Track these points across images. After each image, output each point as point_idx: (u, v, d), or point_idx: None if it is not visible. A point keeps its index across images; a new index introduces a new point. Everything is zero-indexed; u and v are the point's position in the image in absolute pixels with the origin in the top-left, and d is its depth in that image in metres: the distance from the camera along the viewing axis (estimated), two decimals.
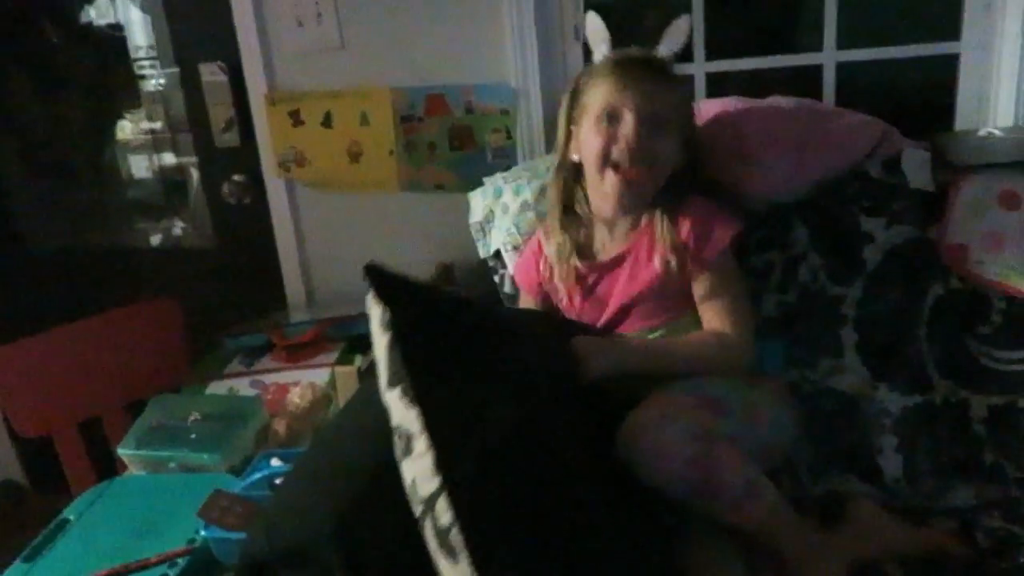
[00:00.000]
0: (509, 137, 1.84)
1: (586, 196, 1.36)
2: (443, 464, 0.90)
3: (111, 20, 2.18)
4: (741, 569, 1.07)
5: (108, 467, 1.71)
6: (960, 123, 1.67)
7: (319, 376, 1.68)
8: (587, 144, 1.27)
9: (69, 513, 1.37)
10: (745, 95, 1.52)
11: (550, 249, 1.39)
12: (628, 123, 1.22)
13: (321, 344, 1.80)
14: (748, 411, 1.17)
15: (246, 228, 2.10)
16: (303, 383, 1.64)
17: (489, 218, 1.63)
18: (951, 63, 1.66)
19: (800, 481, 1.28)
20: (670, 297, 1.29)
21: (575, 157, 1.34)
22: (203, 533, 1.23)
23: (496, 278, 1.58)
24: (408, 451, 0.94)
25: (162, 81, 2.17)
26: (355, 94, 1.89)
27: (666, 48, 1.32)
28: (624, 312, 1.32)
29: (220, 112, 2.00)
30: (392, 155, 1.91)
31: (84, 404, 1.86)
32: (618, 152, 1.24)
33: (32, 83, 2.27)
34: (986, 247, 1.30)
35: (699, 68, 1.77)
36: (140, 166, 2.34)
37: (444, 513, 0.88)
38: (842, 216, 1.39)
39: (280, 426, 1.55)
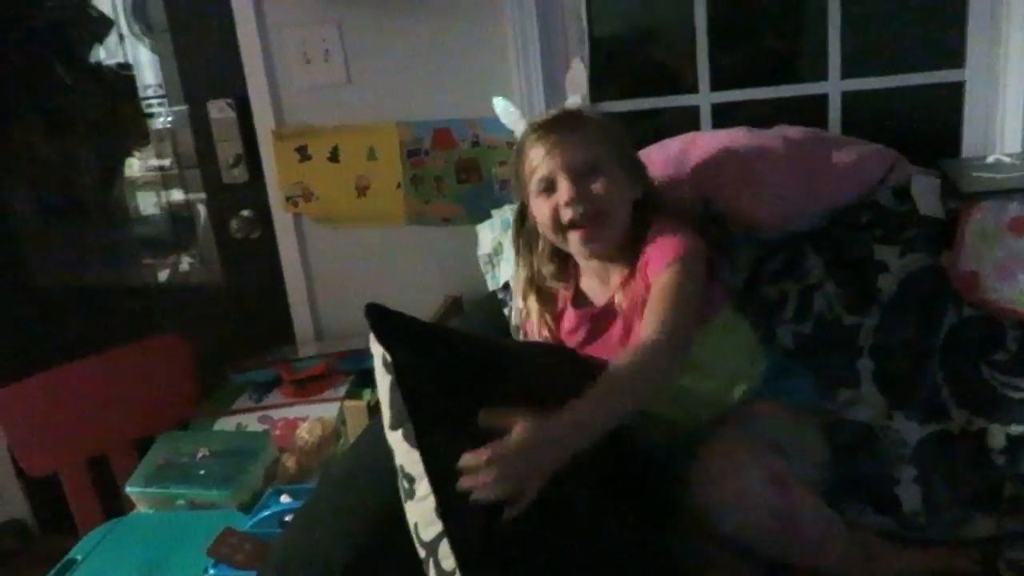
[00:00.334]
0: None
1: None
2: (445, 509, 0.90)
3: (120, 59, 2.21)
4: None
5: (115, 505, 1.70)
6: (967, 150, 1.67)
7: (328, 411, 1.67)
8: (539, 215, 1.27)
9: (76, 553, 1.36)
10: (750, 125, 1.53)
11: (530, 309, 1.36)
12: (563, 184, 1.22)
13: (330, 378, 1.79)
14: (803, 451, 1.16)
15: (254, 263, 2.10)
16: (312, 418, 1.64)
17: (498, 250, 1.63)
18: (956, 90, 1.66)
19: None
20: None
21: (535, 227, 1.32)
22: (212, 571, 1.22)
23: (505, 310, 1.57)
24: (411, 494, 0.95)
25: (170, 119, 2.19)
26: (362, 129, 1.90)
27: (573, 98, 1.37)
28: None
29: (228, 148, 2.01)
30: (399, 189, 1.91)
31: (92, 442, 1.85)
32: (566, 215, 1.23)
33: (42, 122, 2.29)
34: (998, 275, 1.29)
35: (704, 99, 1.78)
36: (148, 203, 2.35)
37: (446, 558, 0.89)
38: (855, 245, 1.39)
39: (289, 462, 1.54)
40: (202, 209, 2.22)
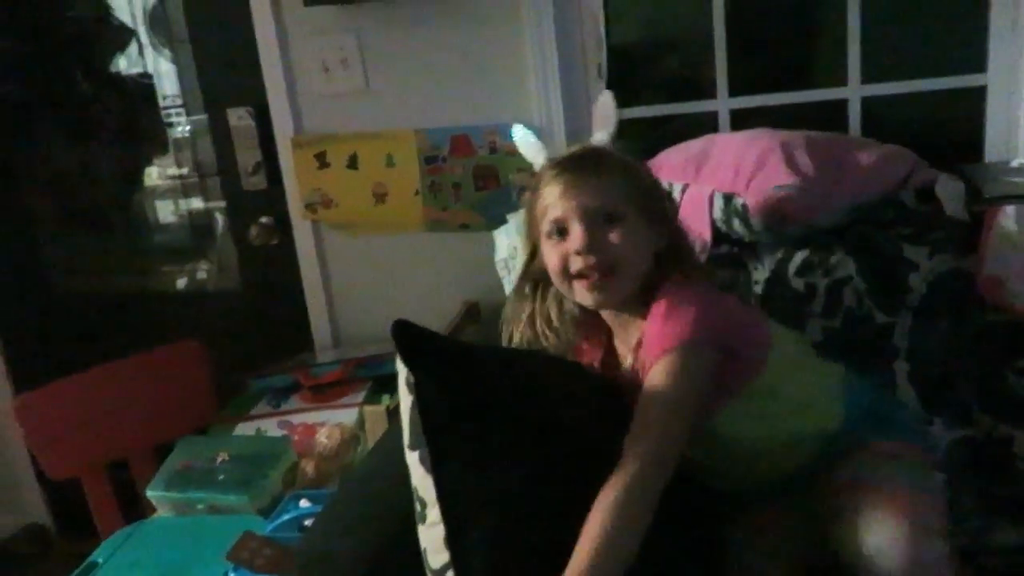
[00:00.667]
0: (533, 176, 1.84)
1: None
2: (454, 540, 0.90)
3: (141, 69, 2.23)
4: None
5: (135, 510, 1.71)
6: (989, 155, 1.66)
7: (347, 416, 1.68)
8: (548, 260, 1.14)
9: (97, 556, 1.37)
10: None
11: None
12: (576, 230, 1.09)
13: (348, 384, 1.80)
14: (934, 494, 1.08)
15: (273, 270, 2.12)
16: (330, 423, 1.64)
17: (513, 255, 1.63)
18: (978, 95, 1.65)
19: None
20: None
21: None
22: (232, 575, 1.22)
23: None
24: (423, 518, 0.95)
25: (190, 127, 2.21)
26: (380, 136, 1.91)
27: (599, 134, 1.27)
28: None
29: (247, 156, 2.03)
30: (417, 196, 1.92)
31: (112, 447, 1.86)
32: (575, 264, 1.10)
33: (63, 131, 2.32)
34: (1022, 279, 1.28)
35: (723, 104, 1.78)
36: (168, 211, 2.37)
37: None
38: (884, 242, 1.38)
39: (308, 467, 1.55)
40: (221, 217, 2.23)
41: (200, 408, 1.90)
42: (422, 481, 0.95)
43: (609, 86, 1.82)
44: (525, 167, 1.85)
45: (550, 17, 1.73)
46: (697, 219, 1.49)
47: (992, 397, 1.30)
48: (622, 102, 1.81)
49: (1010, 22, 1.59)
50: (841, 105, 1.71)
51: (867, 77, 1.69)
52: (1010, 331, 1.28)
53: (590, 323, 1.19)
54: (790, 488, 1.13)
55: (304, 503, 1.39)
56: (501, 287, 1.69)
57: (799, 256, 1.42)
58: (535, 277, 1.21)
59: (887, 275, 1.36)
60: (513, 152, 1.84)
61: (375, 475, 1.17)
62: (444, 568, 0.90)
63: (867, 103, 1.70)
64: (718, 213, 1.45)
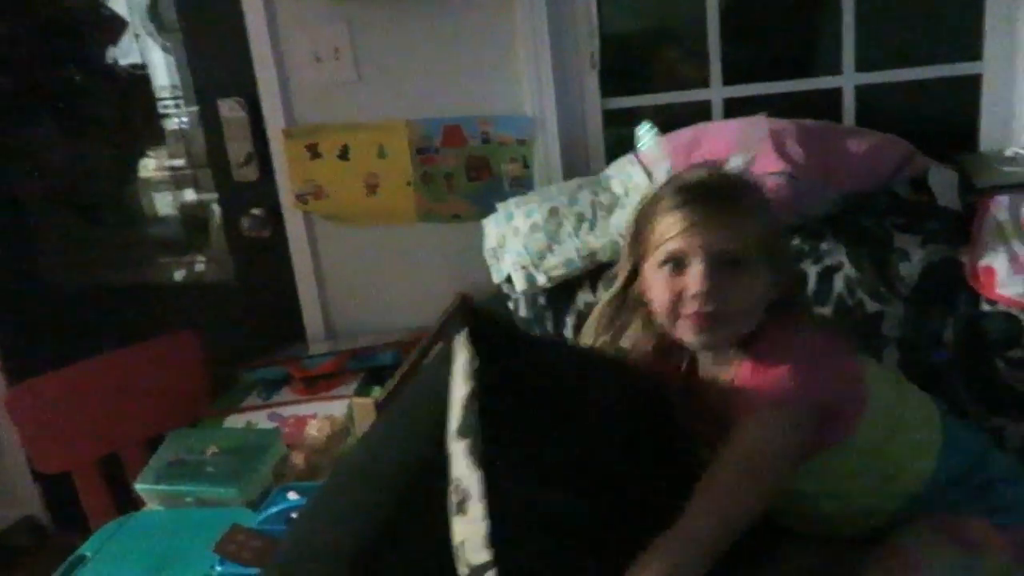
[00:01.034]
0: (526, 166, 1.83)
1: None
2: (498, 541, 0.87)
3: (134, 60, 2.22)
4: None
5: (128, 503, 1.71)
6: (984, 144, 1.65)
7: (338, 408, 1.67)
8: (654, 290, 1.06)
9: (86, 549, 1.36)
10: None
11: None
12: (696, 272, 1.00)
13: (340, 376, 1.79)
14: None
15: (265, 261, 2.11)
16: (321, 415, 1.63)
17: (502, 243, 1.62)
18: (973, 84, 1.64)
19: None
20: None
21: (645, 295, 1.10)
22: (219, 568, 1.22)
23: (510, 304, 1.56)
24: (462, 510, 0.91)
25: (184, 119, 2.20)
26: (372, 127, 1.89)
27: (735, 160, 1.12)
28: None
29: (239, 147, 2.02)
30: (409, 186, 1.91)
31: (104, 440, 1.86)
32: (690, 306, 1.01)
33: (57, 123, 2.30)
34: (1014, 270, 1.26)
35: (716, 93, 1.77)
36: (161, 203, 2.36)
37: None
38: (875, 230, 1.37)
39: (298, 459, 1.54)
40: (214, 208, 2.22)
41: (192, 400, 1.89)
42: (467, 473, 0.90)
43: (602, 76, 1.81)
44: (517, 157, 1.85)
45: (543, 7, 1.72)
46: None
47: (983, 387, 1.29)
48: (614, 92, 1.82)
49: (1005, 10, 1.57)
50: (835, 94, 1.70)
51: (861, 66, 1.68)
52: (1001, 321, 1.27)
53: (674, 347, 1.12)
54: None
55: (293, 496, 1.38)
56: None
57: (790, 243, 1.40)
58: (633, 300, 1.12)
59: (879, 263, 1.35)
60: (506, 142, 1.84)
61: (361, 466, 1.16)
62: (484, 567, 0.87)
63: (861, 92, 1.69)
64: None
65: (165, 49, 2.16)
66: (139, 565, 1.30)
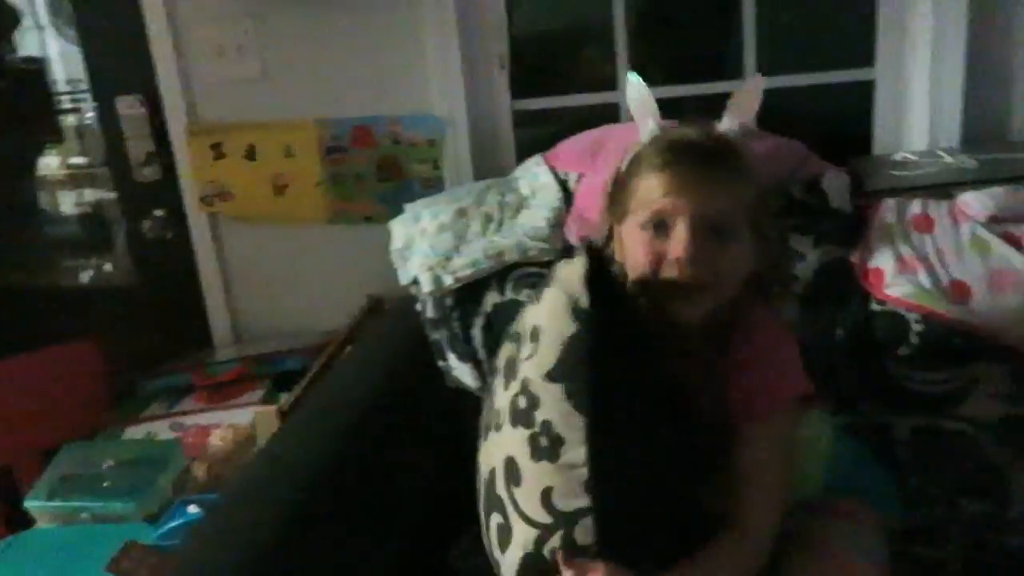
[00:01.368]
0: (437, 167, 1.82)
1: None
2: (597, 485, 0.88)
3: (30, 53, 2.12)
4: None
5: (21, 520, 1.63)
6: (877, 148, 1.71)
7: (243, 417, 1.62)
8: (630, 249, 1.01)
9: None
10: None
11: None
12: (681, 235, 0.96)
13: (246, 383, 1.75)
14: (881, 561, 1.06)
15: (169, 264, 2.03)
16: (225, 424, 1.59)
17: (409, 244, 1.61)
18: (867, 89, 1.69)
19: None
20: None
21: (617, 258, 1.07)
22: None
23: (417, 305, 1.55)
24: (554, 456, 0.89)
25: (85, 116, 2.11)
26: (279, 126, 1.85)
27: (729, 120, 1.08)
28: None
29: (139, 146, 1.94)
30: (319, 187, 1.87)
31: None
32: (669, 271, 0.97)
33: None
34: (901, 270, 1.31)
35: (623, 96, 1.77)
36: (59, 203, 2.27)
37: (585, 535, 0.88)
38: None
39: (200, 470, 1.50)
40: (115, 209, 2.14)
41: (90, 411, 1.82)
42: (565, 418, 0.88)
43: (512, 77, 1.81)
44: (428, 158, 1.83)
45: (450, 6, 1.70)
46: (593, 208, 1.49)
47: (874, 385, 1.33)
48: (523, 93, 1.82)
49: (896, 16, 1.63)
50: None
51: (763, 70, 1.71)
52: (890, 321, 1.32)
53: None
54: None
55: (193, 509, 1.35)
56: None
57: None
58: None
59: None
60: (416, 143, 1.82)
61: (256, 481, 1.13)
62: (579, 512, 0.88)
63: (763, 96, 1.72)
64: None
65: (72, 42, 2.07)
66: None
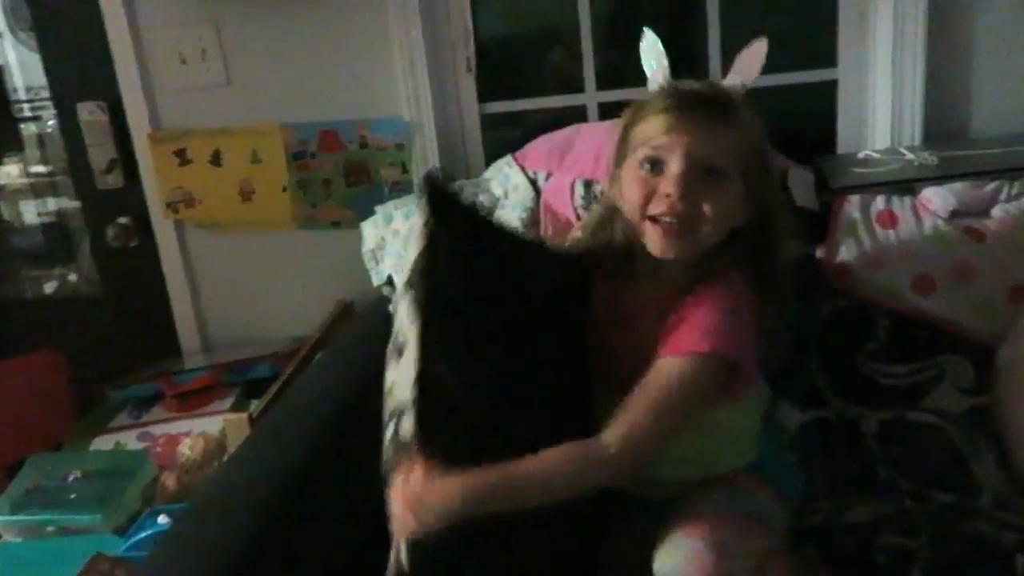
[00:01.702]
0: (405, 171, 1.81)
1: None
2: (422, 383, 0.93)
3: None
4: None
5: None
6: (841, 147, 1.73)
7: (212, 425, 1.61)
8: (626, 189, 1.05)
9: None
10: None
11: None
12: (673, 173, 1.00)
13: (215, 391, 1.73)
14: (777, 526, 1.09)
15: (134, 273, 2.00)
16: (194, 433, 1.57)
17: (381, 245, 1.60)
18: (830, 89, 1.72)
19: None
20: None
21: (617, 202, 1.10)
22: None
23: (389, 307, 1.54)
24: (399, 356, 0.98)
25: (46, 123, 2.08)
26: (244, 131, 1.83)
27: (733, 77, 1.14)
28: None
29: (101, 153, 1.91)
30: (286, 193, 1.85)
31: None
32: (657, 207, 1.01)
33: None
34: (867, 266, 1.33)
35: (591, 99, 1.79)
36: (21, 212, 2.23)
37: (407, 424, 0.93)
38: None
39: (169, 480, 1.48)
40: (78, 217, 2.10)
41: (56, 423, 1.79)
42: (407, 323, 0.97)
43: (478, 80, 1.81)
44: (396, 161, 1.82)
45: (416, 9, 1.70)
46: (561, 206, 1.50)
47: (842, 379, 1.35)
48: (489, 96, 1.82)
49: (856, 17, 1.65)
50: None
51: (727, 71, 1.73)
52: (858, 316, 1.34)
53: (630, 256, 1.11)
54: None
55: (163, 519, 1.33)
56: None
57: None
58: (608, 207, 1.13)
59: None
60: (384, 147, 1.82)
61: (228, 487, 1.11)
62: (404, 405, 0.94)
63: None
64: (579, 200, 1.47)
65: (32, 49, 2.03)
66: None
